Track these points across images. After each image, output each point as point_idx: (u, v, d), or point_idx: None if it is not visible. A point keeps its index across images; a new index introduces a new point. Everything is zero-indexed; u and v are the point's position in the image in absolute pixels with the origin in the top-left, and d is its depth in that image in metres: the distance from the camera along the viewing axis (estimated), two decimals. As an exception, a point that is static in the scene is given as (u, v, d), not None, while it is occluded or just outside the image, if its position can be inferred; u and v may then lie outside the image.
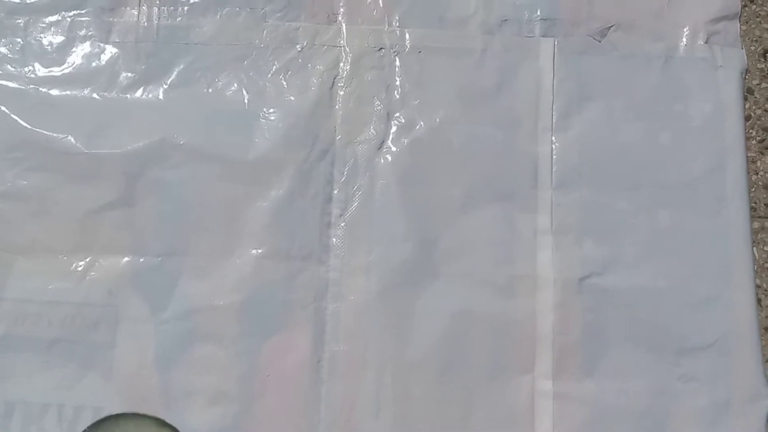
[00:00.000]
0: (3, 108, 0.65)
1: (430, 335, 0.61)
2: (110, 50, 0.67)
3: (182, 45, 0.67)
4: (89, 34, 0.67)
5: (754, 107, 0.65)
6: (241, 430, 0.60)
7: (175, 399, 0.60)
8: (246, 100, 0.65)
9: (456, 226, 0.63)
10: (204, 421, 0.60)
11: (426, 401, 0.60)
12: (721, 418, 0.59)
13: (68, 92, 0.65)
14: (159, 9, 0.68)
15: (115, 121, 0.65)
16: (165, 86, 0.66)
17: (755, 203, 0.63)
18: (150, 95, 0.66)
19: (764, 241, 0.63)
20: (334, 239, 0.63)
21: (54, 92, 0.66)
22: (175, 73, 0.66)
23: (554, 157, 0.64)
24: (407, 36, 0.67)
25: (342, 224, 0.63)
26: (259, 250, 0.62)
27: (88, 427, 0.38)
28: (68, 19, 0.67)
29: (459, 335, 0.61)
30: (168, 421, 0.60)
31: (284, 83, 0.66)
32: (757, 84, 0.66)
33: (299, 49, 0.67)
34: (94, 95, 0.65)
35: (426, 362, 0.60)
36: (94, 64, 0.66)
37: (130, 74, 0.66)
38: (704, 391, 0.59)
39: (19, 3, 0.68)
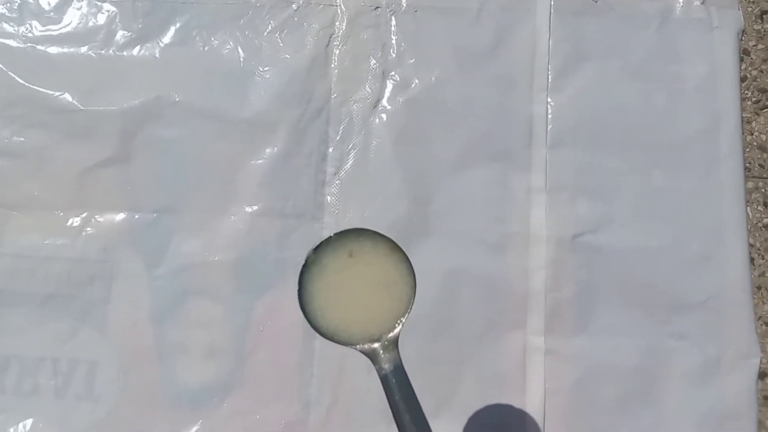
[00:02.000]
0: (1, 66, 0.65)
1: (423, 293, 0.61)
2: (107, 9, 0.67)
3: (179, 4, 0.67)
4: (86, -7, 0.67)
5: (750, 68, 0.65)
6: (235, 385, 0.60)
7: (170, 353, 0.61)
8: (242, 59, 0.65)
9: (450, 185, 0.63)
10: (198, 375, 0.60)
11: (418, 358, 0.60)
12: (712, 376, 0.59)
13: (65, 50, 0.66)
14: (156, -32, 0.68)
15: (111, 79, 0.65)
16: (161, 45, 0.66)
17: (749, 163, 0.63)
18: (146, 53, 0.66)
19: (758, 200, 0.63)
20: (328, 197, 0.63)
21: (52, 50, 0.66)
22: (172, 31, 0.66)
23: (549, 116, 0.64)
24: (403, -4, 0.67)
25: (337, 182, 0.64)
26: (254, 208, 0.62)
27: (333, 234, 0.42)
28: (65, -21, 0.67)
29: (452, 293, 0.61)
30: (162, 375, 0.60)
31: (280, 42, 0.66)
32: (754, 45, 0.66)
33: (295, 8, 0.67)
34: (91, 53, 0.66)
35: (418, 320, 0.61)
36: (91, 23, 0.67)
37: (126, 33, 0.66)
38: (695, 349, 0.59)
39: (16, -38, 0.68)
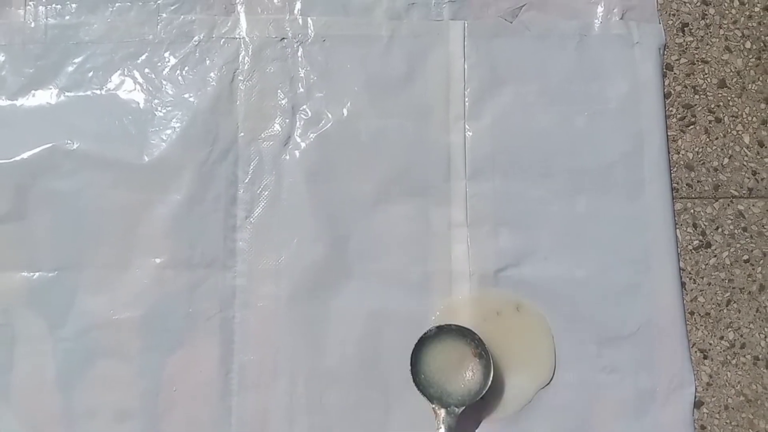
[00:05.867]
0: None
1: (344, 339, 0.58)
2: (-5, 53, 0.63)
3: (72, 45, 0.63)
4: (-28, 37, 0.63)
5: (673, 84, 0.63)
6: (149, 449, 0.57)
7: (79, 419, 0.57)
8: (141, 100, 0.62)
9: (368, 223, 0.60)
10: (109, 441, 0.57)
11: (342, 407, 0.57)
12: (647, 409, 0.57)
13: (-49, 100, 0.62)
14: (46, 8, 0.64)
15: (2, 130, 0.61)
16: (55, 89, 0.62)
17: (677, 183, 0.61)
18: (39, 100, 0.62)
19: (687, 222, 0.60)
20: (240, 243, 0.60)
21: (-64, 101, 0.62)
22: (66, 74, 0.63)
23: (467, 146, 0.61)
24: (310, 24, 0.63)
25: (248, 227, 0.60)
26: (160, 260, 0.59)
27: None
28: (-51, 22, 0.63)
29: (374, 337, 0.58)
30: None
31: (181, 80, 0.62)
32: (676, 59, 0.63)
33: (196, 43, 0.63)
34: (-21, 102, 0.62)
35: (341, 367, 0.58)
36: (-22, 69, 0.62)
37: (18, 78, 0.62)
38: (628, 382, 0.57)
39: None
